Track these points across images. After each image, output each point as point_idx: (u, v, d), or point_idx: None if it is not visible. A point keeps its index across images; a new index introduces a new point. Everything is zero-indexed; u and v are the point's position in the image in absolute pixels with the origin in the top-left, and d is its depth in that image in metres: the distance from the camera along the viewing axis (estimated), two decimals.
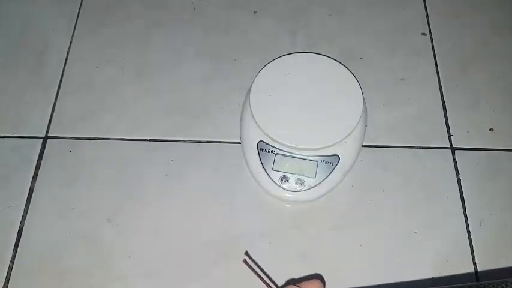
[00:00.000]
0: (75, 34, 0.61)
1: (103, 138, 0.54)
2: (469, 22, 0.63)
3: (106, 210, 0.49)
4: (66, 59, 0.59)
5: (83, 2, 0.64)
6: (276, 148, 0.49)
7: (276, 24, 0.62)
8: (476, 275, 0.47)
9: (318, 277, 0.26)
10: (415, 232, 0.49)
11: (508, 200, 0.51)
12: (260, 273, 0.26)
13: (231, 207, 0.50)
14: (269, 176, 0.48)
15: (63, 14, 0.63)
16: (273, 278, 0.46)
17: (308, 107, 0.49)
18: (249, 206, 0.50)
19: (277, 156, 0.49)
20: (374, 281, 0.47)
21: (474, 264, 0.47)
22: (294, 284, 0.29)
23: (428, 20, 0.63)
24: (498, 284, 0.22)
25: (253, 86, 0.51)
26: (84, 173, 0.52)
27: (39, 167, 0.52)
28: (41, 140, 0.54)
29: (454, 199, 0.50)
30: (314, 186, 0.48)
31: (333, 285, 0.46)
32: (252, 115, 0.49)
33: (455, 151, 0.53)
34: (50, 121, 0.55)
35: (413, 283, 0.46)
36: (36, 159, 0.52)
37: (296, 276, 0.47)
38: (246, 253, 0.27)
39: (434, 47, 0.60)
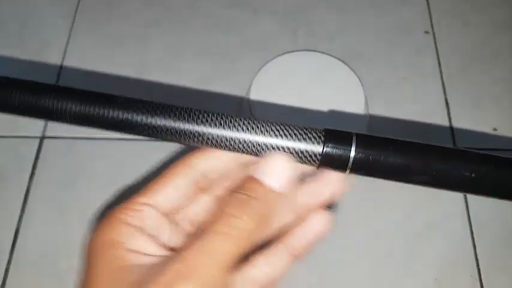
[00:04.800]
0: (72, 33, 0.61)
1: (101, 138, 0.53)
2: (472, 20, 0.62)
3: (105, 211, 0.49)
4: (64, 58, 0.59)
5: (81, 0, 0.63)
6: None
7: (277, 22, 0.62)
8: (480, 276, 0.46)
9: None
10: (417, 233, 0.48)
11: None
12: None
13: None
14: None
15: (60, 13, 0.63)
16: None
17: (309, 106, 0.49)
18: None
19: None
20: (375, 282, 0.46)
21: (477, 265, 0.47)
22: None
23: (431, 18, 0.62)
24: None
25: (253, 85, 0.50)
26: (82, 173, 0.51)
27: (36, 167, 0.51)
28: (38, 139, 0.53)
29: (456, 199, 0.50)
30: None
31: (334, 286, 0.46)
32: (252, 115, 0.48)
33: None
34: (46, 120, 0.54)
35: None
36: (33, 159, 0.52)
37: (297, 279, 0.46)
38: None
39: (437, 46, 0.60)
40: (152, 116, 0.19)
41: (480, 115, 0.55)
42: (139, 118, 0.19)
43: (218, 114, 0.20)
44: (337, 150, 0.20)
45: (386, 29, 0.61)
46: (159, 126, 0.20)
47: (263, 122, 0.21)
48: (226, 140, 0.20)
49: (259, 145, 0.20)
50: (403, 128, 0.54)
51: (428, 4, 0.63)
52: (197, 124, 0.20)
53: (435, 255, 0.47)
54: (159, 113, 0.19)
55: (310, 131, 0.20)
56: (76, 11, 0.62)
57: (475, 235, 0.48)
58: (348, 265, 0.47)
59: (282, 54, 0.53)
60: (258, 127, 0.20)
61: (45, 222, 0.48)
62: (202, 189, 0.22)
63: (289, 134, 0.20)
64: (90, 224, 0.48)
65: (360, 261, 0.47)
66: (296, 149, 0.20)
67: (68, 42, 0.60)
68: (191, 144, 0.20)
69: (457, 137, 0.53)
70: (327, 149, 0.20)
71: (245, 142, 0.20)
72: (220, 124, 0.20)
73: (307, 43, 0.60)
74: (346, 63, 0.52)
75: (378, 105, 0.55)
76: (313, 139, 0.20)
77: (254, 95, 0.49)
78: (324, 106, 0.49)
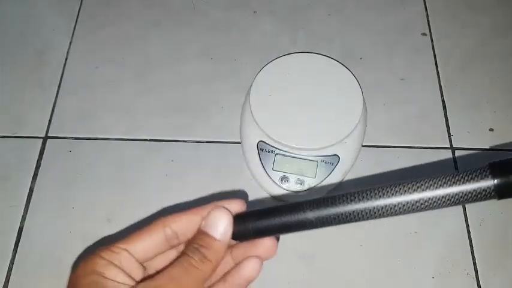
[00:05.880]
0: (75, 33, 0.61)
1: (103, 138, 0.54)
2: (469, 22, 0.63)
3: (106, 210, 0.49)
4: (66, 59, 0.59)
5: (83, 1, 0.64)
6: (276, 148, 0.49)
7: (276, 24, 0.62)
8: (477, 275, 0.47)
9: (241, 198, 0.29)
10: (415, 232, 0.49)
11: (508, 200, 0.50)
12: None
13: None
14: (269, 176, 0.48)
15: (63, 13, 0.63)
16: (273, 278, 0.46)
17: (308, 106, 0.49)
18: (249, 206, 0.50)
19: (277, 156, 0.49)
20: (374, 282, 0.47)
21: (474, 264, 0.47)
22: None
23: (428, 20, 0.63)
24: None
25: (253, 86, 0.51)
26: (84, 173, 0.52)
27: (39, 167, 0.52)
28: (41, 140, 0.53)
29: None
30: (314, 186, 0.48)
31: (333, 286, 0.46)
32: (252, 115, 0.49)
33: (455, 151, 0.53)
34: (49, 121, 0.55)
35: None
36: (36, 159, 0.52)
37: (297, 278, 0.46)
38: None
39: (435, 47, 0.60)
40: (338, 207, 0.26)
41: (477, 116, 0.56)
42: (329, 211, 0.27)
43: (391, 186, 0.24)
44: (509, 179, 0.22)
45: (385, 30, 0.62)
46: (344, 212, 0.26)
47: (432, 178, 0.23)
48: (408, 204, 0.23)
49: (439, 199, 0.23)
50: (400, 128, 0.55)
51: (425, 6, 0.64)
52: (383, 199, 0.24)
53: (433, 254, 0.48)
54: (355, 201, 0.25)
55: (476, 170, 0.22)
56: (78, 12, 0.63)
57: (472, 234, 0.49)
58: (347, 263, 0.47)
59: (282, 55, 0.54)
60: (432, 184, 0.23)
61: (48, 222, 0.49)
62: (172, 245, 0.27)
63: (460, 180, 0.22)
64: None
65: (359, 260, 0.48)
66: (472, 190, 0.22)
67: (70, 43, 0.60)
68: (379, 217, 0.25)
69: (454, 138, 0.54)
70: (499, 181, 0.22)
71: (422, 201, 0.23)
72: (401, 192, 0.23)
73: (306, 44, 0.60)
74: (344, 65, 0.53)
75: (376, 106, 0.56)
76: (483, 176, 0.22)
77: (254, 96, 0.50)
78: (322, 107, 0.49)
